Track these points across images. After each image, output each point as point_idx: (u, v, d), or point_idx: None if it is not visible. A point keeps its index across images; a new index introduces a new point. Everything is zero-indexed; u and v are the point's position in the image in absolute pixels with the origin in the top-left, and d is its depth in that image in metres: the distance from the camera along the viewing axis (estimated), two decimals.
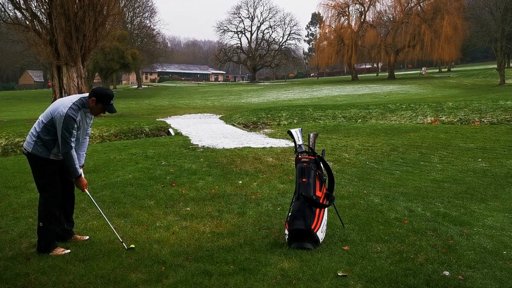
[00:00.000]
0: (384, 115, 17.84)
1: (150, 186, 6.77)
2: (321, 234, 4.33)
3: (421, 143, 10.68)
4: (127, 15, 55.58)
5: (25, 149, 4.21)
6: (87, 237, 4.54)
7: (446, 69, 70.34)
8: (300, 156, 4.69)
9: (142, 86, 69.75)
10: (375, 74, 79.48)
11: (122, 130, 14.83)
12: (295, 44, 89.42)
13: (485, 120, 15.30)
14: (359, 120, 17.23)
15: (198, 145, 10.82)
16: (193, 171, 7.74)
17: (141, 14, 62.04)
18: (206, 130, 14.82)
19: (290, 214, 4.47)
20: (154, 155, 9.35)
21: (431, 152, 9.58)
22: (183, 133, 14.07)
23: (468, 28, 52.39)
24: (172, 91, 54.39)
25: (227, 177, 7.30)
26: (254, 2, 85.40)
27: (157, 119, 19.59)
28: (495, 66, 42.98)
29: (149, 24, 63.72)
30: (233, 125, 17.24)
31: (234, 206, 5.67)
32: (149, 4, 63.15)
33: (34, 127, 4.18)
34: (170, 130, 15.29)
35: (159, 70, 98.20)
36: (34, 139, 4.13)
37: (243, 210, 5.50)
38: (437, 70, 70.52)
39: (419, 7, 57.75)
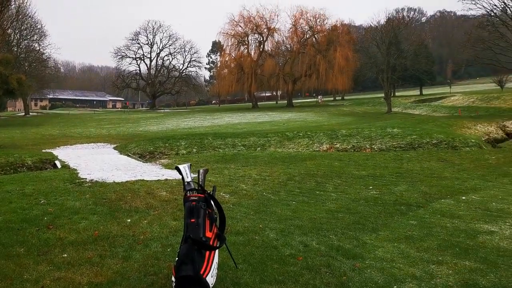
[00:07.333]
0: (282, 143, 18.16)
1: (22, 230, 5.92)
2: (211, 279, 3.97)
3: (317, 171, 10.87)
4: (12, 37, 51.74)
5: None
6: None
7: (340, 98, 74.85)
8: (188, 194, 4.33)
9: (30, 113, 64.93)
10: (275, 102, 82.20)
11: None
12: (196, 71, 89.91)
13: (375, 147, 16.18)
14: (258, 148, 17.33)
15: (86, 179, 9.98)
16: (76, 209, 6.99)
17: (29, 36, 58.15)
18: (97, 162, 13.84)
19: (177, 258, 4.06)
20: (33, 192, 8.37)
21: (326, 180, 9.75)
22: (71, 166, 12.97)
23: (358, 60, 56.61)
24: (64, 118, 51.26)
25: (114, 215, 6.67)
26: (153, 29, 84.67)
27: (43, 150, 18.00)
28: (383, 95, 46.48)
29: (38, 48, 59.95)
30: (128, 155, 16.37)
31: (119, 249, 5.12)
32: (38, 27, 59.52)
33: None
34: (57, 162, 14.05)
35: (51, 96, 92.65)
36: None
37: (128, 253, 4.97)
38: (332, 98, 74.80)
39: (314, 39, 61.20)
